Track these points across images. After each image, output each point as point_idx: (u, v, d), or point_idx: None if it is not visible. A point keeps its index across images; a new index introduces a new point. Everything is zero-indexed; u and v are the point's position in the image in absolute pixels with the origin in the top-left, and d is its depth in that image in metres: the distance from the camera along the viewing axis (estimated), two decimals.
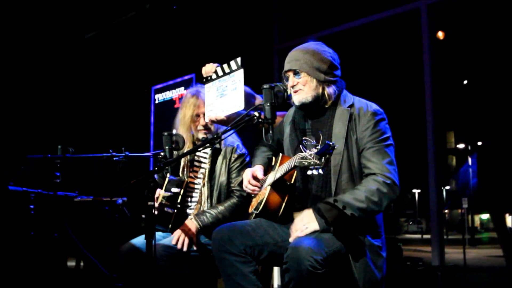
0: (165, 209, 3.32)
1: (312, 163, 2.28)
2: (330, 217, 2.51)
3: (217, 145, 3.54)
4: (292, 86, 2.80)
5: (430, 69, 5.11)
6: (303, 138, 2.68)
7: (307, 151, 2.33)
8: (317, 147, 2.33)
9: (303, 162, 2.31)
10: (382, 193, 2.55)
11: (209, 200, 3.50)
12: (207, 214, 3.37)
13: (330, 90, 2.78)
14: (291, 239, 2.59)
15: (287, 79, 2.85)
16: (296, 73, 2.79)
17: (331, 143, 2.26)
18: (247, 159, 3.62)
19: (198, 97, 3.59)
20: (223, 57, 6.39)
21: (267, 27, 6.47)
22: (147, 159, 6.41)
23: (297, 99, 2.80)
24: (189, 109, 3.58)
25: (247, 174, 3.03)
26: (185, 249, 3.24)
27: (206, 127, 3.55)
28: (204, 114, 3.52)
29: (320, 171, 2.28)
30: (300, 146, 2.44)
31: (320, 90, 2.77)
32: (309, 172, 2.31)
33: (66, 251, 4.22)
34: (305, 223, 2.61)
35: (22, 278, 4.00)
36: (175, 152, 3.45)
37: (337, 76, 2.83)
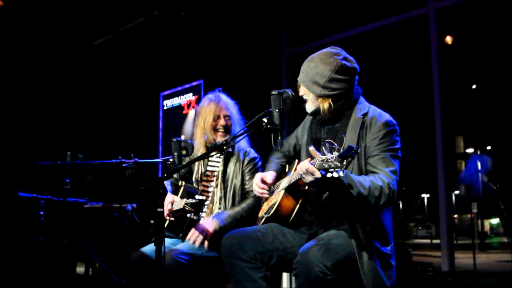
0: (188, 215, 3.33)
1: (332, 165, 2.24)
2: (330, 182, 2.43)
3: (230, 149, 3.60)
4: (301, 96, 2.86)
5: (438, 74, 5.10)
6: (326, 140, 2.67)
7: (328, 153, 2.31)
8: (339, 149, 2.30)
9: (323, 164, 2.28)
10: (384, 193, 2.53)
11: (223, 201, 3.54)
12: (225, 215, 3.39)
13: (325, 105, 2.77)
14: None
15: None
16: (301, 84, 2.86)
17: (354, 147, 2.23)
18: (259, 163, 3.68)
19: (218, 101, 3.69)
20: (231, 63, 6.42)
21: (275, 33, 6.47)
22: (156, 165, 6.43)
23: (306, 107, 2.87)
24: (210, 113, 3.65)
25: (256, 177, 3.05)
26: (197, 245, 3.25)
27: (225, 127, 3.62)
28: (224, 116, 3.60)
29: (341, 173, 2.25)
30: (322, 148, 2.41)
31: (318, 103, 2.80)
32: (328, 175, 2.27)
33: (75, 257, 4.23)
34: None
35: (32, 284, 4.02)
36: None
37: (338, 89, 2.76)
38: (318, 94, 2.76)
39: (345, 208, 2.62)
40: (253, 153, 3.69)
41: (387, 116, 2.78)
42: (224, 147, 2.82)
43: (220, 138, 3.61)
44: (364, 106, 2.83)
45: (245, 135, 2.76)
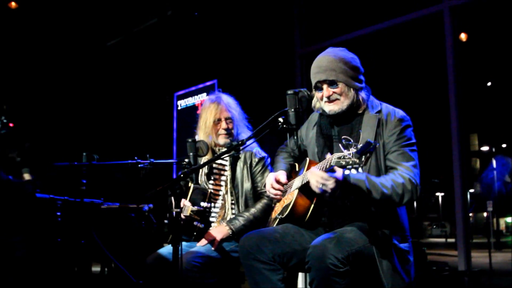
0: (194, 223, 3.32)
1: (350, 162, 2.25)
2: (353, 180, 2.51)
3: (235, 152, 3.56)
4: (328, 97, 2.77)
5: (453, 71, 5.06)
6: (343, 137, 2.58)
7: (345, 150, 2.30)
8: (357, 146, 2.29)
9: (341, 161, 2.28)
10: (406, 189, 2.56)
11: (235, 207, 3.51)
12: (239, 218, 3.38)
13: (363, 95, 2.80)
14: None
15: (319, 89, 2.81)
16: (332, 83, 2.75)
17: (372, 142, 2.23)
18: (268, 161, 3.63)
19: (219, 102, 3.62)
20: (245, 62, 6.42)
21: (288, 32, 6.46)
22: (170, 166, 6.45)
23: (332, 109, 2.78)
24: (210, 115, 3.59)
25: (270, 178, 3.03)
26: (213, 248, 3.26)
27: (227, 131, 3.57)
28: (225, 118, 3.55)
29: (360, 169, 2.25)
30: (340, 145, 2.41)
31: (355, 98, 2.77)
32: (346, 172, 2.28)
33: (92, 258, 4.25)
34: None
35: (49, 285, 4.04)
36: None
37: (363, 81, 2.85)
38: (358, 87, 2.79)
39: (370, 209, 2.63)
40: (260, 153, 3.63)
41: (401, 112, 2.81)
42: (239, 148, 2.80)
43: (222, 140, 3.59)
44: (375, 103, 2.85)
45: (260, 135, 2.74)
